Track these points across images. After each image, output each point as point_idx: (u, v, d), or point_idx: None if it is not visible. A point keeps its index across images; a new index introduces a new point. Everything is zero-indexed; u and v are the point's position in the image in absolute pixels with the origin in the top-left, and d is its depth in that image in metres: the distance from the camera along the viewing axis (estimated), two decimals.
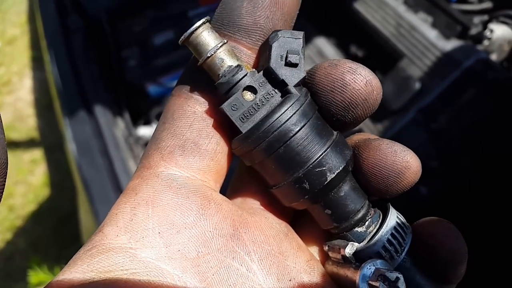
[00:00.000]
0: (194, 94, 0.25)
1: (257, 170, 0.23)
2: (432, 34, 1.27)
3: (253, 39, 0.24)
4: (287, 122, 0.20)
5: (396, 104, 1.28)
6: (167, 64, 1.49)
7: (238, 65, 0.22)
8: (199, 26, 0.22)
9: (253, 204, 0.26)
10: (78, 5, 1.41)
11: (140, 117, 1.51)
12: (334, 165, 0.21)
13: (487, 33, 1.21)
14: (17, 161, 2.33)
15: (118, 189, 1.12)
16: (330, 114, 0.23)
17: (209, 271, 0.21)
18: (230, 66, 0.22)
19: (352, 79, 0.22)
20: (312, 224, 0.26)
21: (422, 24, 1.30)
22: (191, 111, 0.24)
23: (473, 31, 1.23)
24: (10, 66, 2.84)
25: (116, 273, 0.20)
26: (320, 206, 0.22)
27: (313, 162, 0.20)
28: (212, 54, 0.22)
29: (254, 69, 0.23)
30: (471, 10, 1.32)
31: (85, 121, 1.26)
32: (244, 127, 0.21)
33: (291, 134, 0.20)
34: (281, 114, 0.20)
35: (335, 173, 0.21)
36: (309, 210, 0.24)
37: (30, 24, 3.05)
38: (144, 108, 1.51)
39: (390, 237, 0.23)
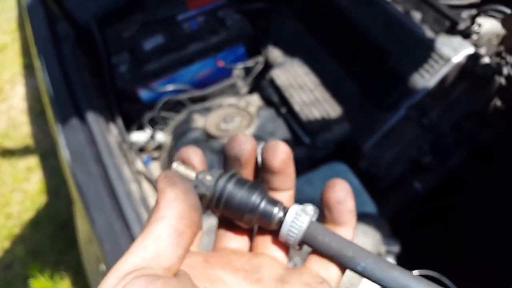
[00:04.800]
0: None
1: (222, 214, 0.37)
2: (420, 30, 1.27)
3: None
4: (222, 185, 0.35)
5: (387, 101, 1.28)
6: (158, 69, 1.49)
7: (202, 171, 0.37)
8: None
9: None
10: (66, 12, 1.41)
11: (133, 123, 1.51)
12: (251, 197, 0.35)
13: (476, 27, 1.21)
14: (13, 169, 2.32)
15: (113, 196, 1.12)
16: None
17: (196, 276, 0.32)
18: (198, 173, 0.36)
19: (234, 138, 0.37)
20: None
21: (411, 20, 1.31)
22: None
23: (462, 25, 1.23)
24: (2, 74, 2.83)
25: None
26: (257, 220, 0.36)
27: (240, 199, 0.35)
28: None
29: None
30: (459, 5, 1.32)
31: (78, 128, 1.26)
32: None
33: (225, 190, 0.35)
34: (220, 182, 0.36)
35: (252, 200, 0.35)
36: (256, 224, 0.37)
37: (20, 31, 3.04)
38: (136, 113, 1.51)
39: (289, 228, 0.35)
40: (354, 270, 0.34)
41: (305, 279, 0.34)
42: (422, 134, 1.28)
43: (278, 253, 0.37)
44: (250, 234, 0.39)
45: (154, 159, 1.45)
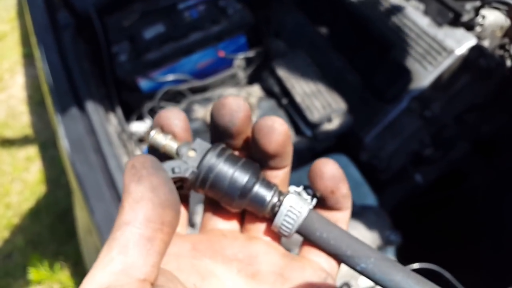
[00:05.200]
0: None
1: (209, 195, 0.33)
2: (424, 21, 1.26)
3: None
4: (210, 162, 0.31)
5: (389, 93, 1.27)
6: (158, 58, 1.48)
7: (184, 142, 0.32)
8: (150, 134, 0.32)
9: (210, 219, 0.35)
10: (66, 1, 1.40)
11: (133, 113, 1.50)
12: (243, 177, 0.31)
13: (479, 19, 1.20)
14: (12, 158, 2.32)
15: (112, 186, 1.11)
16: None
17: (184, 268, 0.30)
18: (179, 145, 0.32)
19: (225, 101, 0.31)
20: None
21: (414, 12, 1.29)
22: None
23: (465, 17, 1.22)
24: (1, 63, 2.81)
25: None
26: (247, 204, 0.33)
27: (230, 179, 0.31)
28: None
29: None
30: None
31: (77, 117, 1.25)
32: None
33: (214, 168, 0.31)
34: (206, 159, 0.31)
35: (244, 182, 0.31)
36: (246, 209, 0.33)
37: (20, 20, 3.02)
38: (136, 103, 1.50)
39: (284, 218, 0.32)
40: (354, 268, 0.32)
41: (307, 274, 0.31)
42: (423, 126, 1.27)
43: (273, 235, 0.34)
44: (241, 213, 0.35)
45: None
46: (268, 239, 0.34)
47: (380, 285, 0.31)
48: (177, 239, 0.32)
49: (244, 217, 0.35)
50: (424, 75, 1.22)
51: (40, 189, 2.16)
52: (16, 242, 1.99)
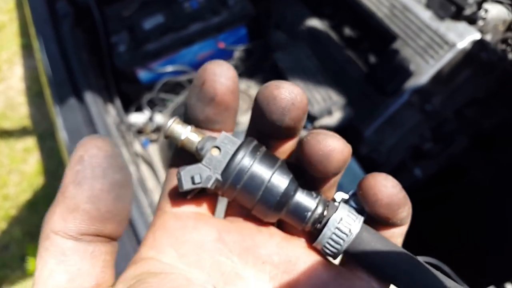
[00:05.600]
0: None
1: (238, 201, 0.28)
2: (426, 15, 1.25)
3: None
4: (241, 164, 0.26)
5: (390, 86, 1.26)
6: (157, 49, 1.47)
7: (206, 137, 0.27)
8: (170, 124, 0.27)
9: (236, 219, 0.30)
10: None
11: (131, 104, 1.49)
12: (281, 182, 0.26)
13: (482, 13, 1.19)
14: (10, 150, 2.31)
15: None
16: (272, 123, 0.26)
17: (205, 265, 0.25)
18: (201, 140, 0.27)
19: (278, 92, 0.25)
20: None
21: (416, 5, 1.28)
22: None
23: (468, 11, 1.21)
24: (0, 54, 2.79)
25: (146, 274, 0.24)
26: (285, 215, 0.27)
27: (266, 184, 0.26)
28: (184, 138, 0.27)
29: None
30: None
31: (76, 108, 1.24)
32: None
33: (246, 171, 0.26)
34: (236, 159, 0.26)
35: (283, 188, 0.26)
36: (282, 220, 0.28)
37: (18, 10, 3.00)
38: (135, 94, 1.49)
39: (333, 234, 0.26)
40: None
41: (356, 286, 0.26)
42: (424, 120, 1.27)
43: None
44: None
45: (152, 141, 1.43)
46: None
47: None
48: (202, 224, 0.28)
49: None
50: (425, 69, 1.21)
51: (38, 181, 2.15)
52: (13, 234, 1.98)
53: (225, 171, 0.26)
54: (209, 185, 0.26)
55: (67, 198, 0.22)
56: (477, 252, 1.26)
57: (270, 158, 0.27)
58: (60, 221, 0.22)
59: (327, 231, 0.26)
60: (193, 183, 0.26)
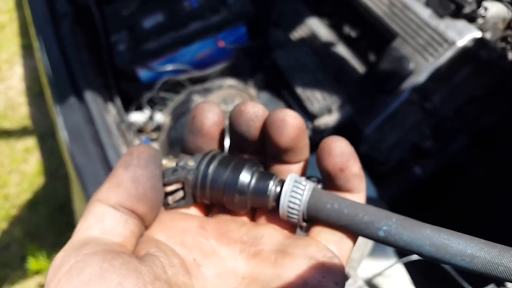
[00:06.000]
0: None
1: (213, 200, 0.33)
2: (425, 13, 1.25)
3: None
4: (204, 168, 0.31)
5: (390, 84, 1.27)
6: (157, 48, 1.47)
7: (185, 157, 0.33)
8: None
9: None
10: None
11: (132, 103, 1.49)
12: (236, 175, 0.31)
13: (482, 11, 1.19)
14: (11, 150, 2.31)
15: None
16: (241, 134, 0.32)
17: (188, 243, 0.30)
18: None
19: (244, 107, 0.31)
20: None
21: (415, 3, 1.28)
22: None
23: (467, 9, 1.21)
24: (0, 54, 2.80)
25: None
26: (250, 201, 0.31)
27: (225, 179, 0.31)
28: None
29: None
30: None
31: (76, 108, 1.25)
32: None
33: (210, 174, 0.31)
34: (201, 166, 0.32)
35: (239, 177, 0.30)
36: (254, 206, 0.32)
37: (18, 10, 3.00)
38: (135, 93, 1.49)
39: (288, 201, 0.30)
40: (375, 237, 0.28)
41: (311, 251, 0.28)
42: (424, 118, 1.27)
43: (283, 223, 0.32)
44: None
45: (153, 140, 1.44)
46: (278, 225, 0.32)
47: (409, 247, 0.27)
48: (187, 217, 0.32)
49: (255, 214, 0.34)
50: (425, 67, 1.21)
51: (38, 181, 2.15)
52: (14, 234, 1.99)
53: (195, 172, 0.31)
54: (185, 175, 0.31)
55: (114, 176, 0.28)
56: None
57: (227, 159, 0.32)
58: (105, 193, 0.28)
59: (284, 200, 0.30)
60: (173, 173, 0.31)
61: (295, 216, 0.30)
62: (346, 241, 0.30)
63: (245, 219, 0.33)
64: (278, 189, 0.31)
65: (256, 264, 0.29)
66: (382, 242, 0.28)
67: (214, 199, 0.32)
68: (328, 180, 0.31)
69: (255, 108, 0.31)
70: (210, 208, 0.35)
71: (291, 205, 0.30)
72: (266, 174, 0.31)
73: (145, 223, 0.29)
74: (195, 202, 0.33)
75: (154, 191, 0.29)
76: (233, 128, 0.32)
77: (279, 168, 0.33)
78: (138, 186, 0.28)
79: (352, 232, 0.29)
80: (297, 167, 0.32)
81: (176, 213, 0.33)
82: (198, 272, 0.28)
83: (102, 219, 0.27)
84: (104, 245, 0.26)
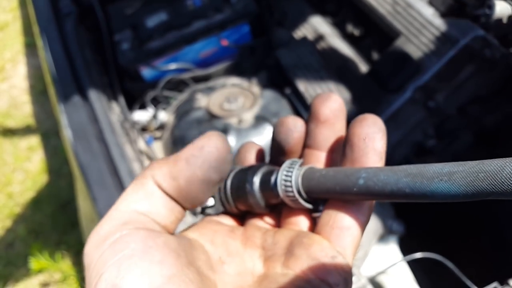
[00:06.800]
0: None
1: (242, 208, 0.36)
2: (428, 11, 1.25)
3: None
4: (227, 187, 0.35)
5: (393, 83, 1.27)
6: (161, 47, 1.47)
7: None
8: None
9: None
10: None
11: (135, 101, 1.50)
12: (246, 178, 0.34)
13: (485, 9, 1.19)
14: (14, 148, 2.32)
15: (115, 174, 1.11)
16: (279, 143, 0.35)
17: (217, 242, 0.32)
18: None
19: (285, 119, 0.35)
20: None
21: (419, 2, 1.28)
22: None
23: (471, 8, 1.21)
24: (3, 53, 2.81)
25: None
26: (265, 196, 0.34)
27: (238, 186, 0.34)
28: None
29: None
30: None
31: (80, 106, 1.25)
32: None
33: (227, 188, 0.35)
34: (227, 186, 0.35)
35: (245, 180, 0.33)
36: (272, 203, 0.35)
37: (22, 9, 3.01)
38: (139, 92, 1.49)
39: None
40: (358, 187, 0.27)
41: (313, 251, 0.29)
42: (427, 117, 1.27)
43: (303, 224, 0.33)
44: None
45: (156, 138, 1.44)
46: (299, 227, 0.34)
47: (388, 186, 0.26)
48: (220, 223, 0.35)
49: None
50: (428, 65, 1.21)
51: (42, 179, 2.16)
52: (18, 232, 1.99)
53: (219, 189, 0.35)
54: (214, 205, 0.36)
55: (176, 167, 0.29)
56: (481, 248, 1.26)
57: (245, 169, 0.35)
58: (161, 176, 0.29)
59: (280, 181, 0.31)
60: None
61: (291, 193, 0.31)
62: (347, 237, 0.30)
63: (269, 227, 0.35)
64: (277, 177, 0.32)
65: (269, 265, 0.30)
66: (364, 193, 0.27)
67: (237, 205, 0.35)
68: (348, 149, 0.30)
69: (294, 121, 0.34)
70: (243, 220, 0.37)
71: (285, 179, 0.31)
72: (270, 171, 0.33)
73: (183, 217, 0.32)
74: (225, 210, 0.36)
75: (203, 195, 0.31)
76: (274, 136, 0.35)
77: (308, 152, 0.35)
78: (191, 188, 0.29)
79: (340, 193, 0.29)
80: (322, 156, 0.34)
81: (211, 219, 0.35)
82: (221, 268, 0.30)
83: (151, 198, 0.28)
84: (148, 223, 0.27)
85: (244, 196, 0.33)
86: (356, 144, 0.29)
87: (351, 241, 0.30)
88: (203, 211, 0.36)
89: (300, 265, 0.28)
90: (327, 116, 0.32)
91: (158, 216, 0.28)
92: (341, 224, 0.29)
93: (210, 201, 0.34)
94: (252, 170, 0.34)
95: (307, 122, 0.34)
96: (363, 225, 0.30)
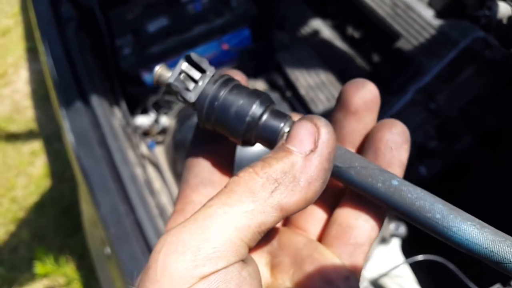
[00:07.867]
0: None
1: (217, 131, 0.30)
2: (428, 13, 1.26)
3: None
4: (214, 93, 0.28)
5: (394, 84, 1.27)
6: (162, 51, 1.48)
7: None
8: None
9: None
10: None
11: (137, 106, 1.50)
12: (249, 106, 0.28)
13: (485, 11, 1.19)
14: (17, 153, 2.33)
15: (118, 179, 1.12)
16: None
17: None
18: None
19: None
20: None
21: (418, 4, 1.28)
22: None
23: (471, 9, 1.21)
24: (5, 58, 2.81)
25: None
26: (257, 136, 0.29)
27: (235, 108, 0.28)
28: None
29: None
30: None
31: (82, 111, 1.26)
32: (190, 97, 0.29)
33: (217, 99, 0.28)
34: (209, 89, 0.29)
35: (251, 110, 0.28)
36: (257, 142, 0.30)
37: (24, 14, 3.02)
38: (141, 97, 1.50)
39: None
40: (387, 186, 0.26)
41: (326, 272, 0.27)
42: (428, 118, 1.27)
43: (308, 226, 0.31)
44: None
45: (158, 143, 1.45)
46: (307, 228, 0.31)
47: (423, 208, 0.26)
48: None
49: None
50: (429, 67, 1.21)
51: (45, 183, 2.17)
52: (21, 236, 2.00)
53: (201, 94, 0.29)
54: (193, 95, 0.29)
55: (288, 188, 0.24)
56: None
57: (241, 87, 0.29)
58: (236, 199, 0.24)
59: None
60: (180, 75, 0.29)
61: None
62: (362, 251, 0.28)
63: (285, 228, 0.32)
64: (288, 131, 0.28)
65: (277, 276, 0.28)
66: (389, 196, 0.26)
67: (216, 127, 0.29)
68: (370, 152, 0.28)
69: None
70: None
71: None
72: (280, 114, 0.29)
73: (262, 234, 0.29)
74: (200, 122, 0.30)
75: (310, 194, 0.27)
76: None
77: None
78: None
79: (362, 184, 0.27)
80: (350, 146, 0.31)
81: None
82: None
83: (256, 198, 0.24)
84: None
85: (237, 126, 0.28)
86: (382, 151, 0.28)
87: (363, 258, 0.28)
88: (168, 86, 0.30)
89: (311, 284, 0.27)
90: (359, 107, 0.29)
91: (259, 214, 0.25)
92: (355, 240, 0.28)
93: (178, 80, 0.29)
94: (260, 98, 0.28)
95: (334, 110, 0.30)
96: (374, 240, 0.29)
